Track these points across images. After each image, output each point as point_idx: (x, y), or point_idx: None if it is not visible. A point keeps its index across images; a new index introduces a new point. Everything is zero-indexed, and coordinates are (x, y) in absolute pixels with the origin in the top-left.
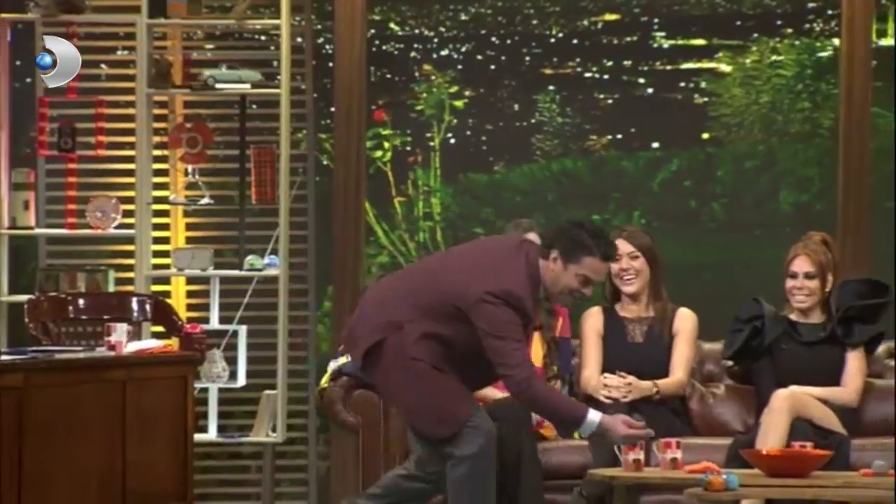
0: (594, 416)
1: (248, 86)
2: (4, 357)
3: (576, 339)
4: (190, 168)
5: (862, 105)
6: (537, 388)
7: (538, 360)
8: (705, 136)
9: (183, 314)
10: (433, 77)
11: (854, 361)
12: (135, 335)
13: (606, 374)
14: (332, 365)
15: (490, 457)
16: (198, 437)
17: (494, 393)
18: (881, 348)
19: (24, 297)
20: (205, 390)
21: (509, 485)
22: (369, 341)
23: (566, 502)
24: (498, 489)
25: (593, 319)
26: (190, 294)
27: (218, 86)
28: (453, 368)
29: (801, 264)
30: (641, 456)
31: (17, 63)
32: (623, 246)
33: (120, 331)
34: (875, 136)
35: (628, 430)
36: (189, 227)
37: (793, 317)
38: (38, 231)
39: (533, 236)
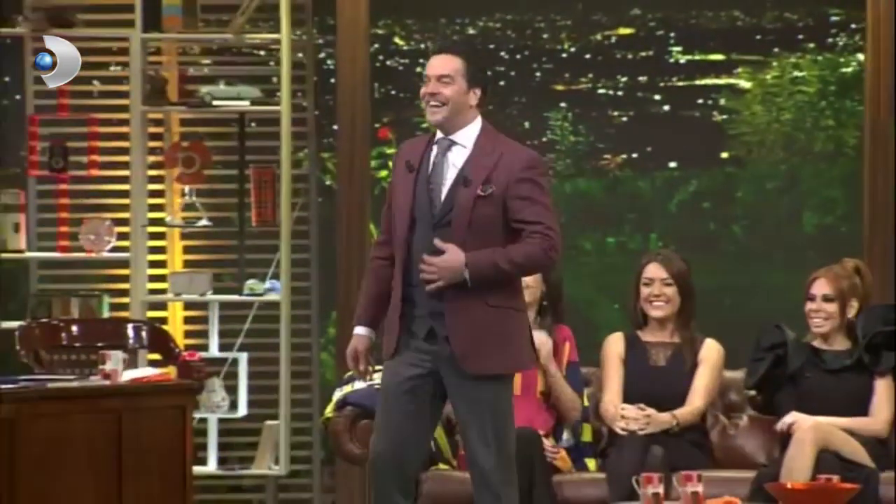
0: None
1: (246, 103)
2: None
3: (591, 367)
4: (187, 188)
5: (888, 123)
6: None
7: (536, 395)
8: (724, 155)
9: (181, 341)
10: None
11: (883, 390)
12: (131, 363)
13: (625, 406)
14: (337, 394)
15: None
16: (197, 469)
17: None
18: None
19: (14, 324)
20: (204, 420)
21: None
22: None
23: None
24: None
25: (615, 343)
26: (188, 320)
27: (215, 103)
28: None
29: (819, 286)
30: (661, 489)
31: (6, 80)
32: (657, 271)
33: (115, 359)
34: None
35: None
36: (186, 249)
37: (816, 344)
38: (29, 255)
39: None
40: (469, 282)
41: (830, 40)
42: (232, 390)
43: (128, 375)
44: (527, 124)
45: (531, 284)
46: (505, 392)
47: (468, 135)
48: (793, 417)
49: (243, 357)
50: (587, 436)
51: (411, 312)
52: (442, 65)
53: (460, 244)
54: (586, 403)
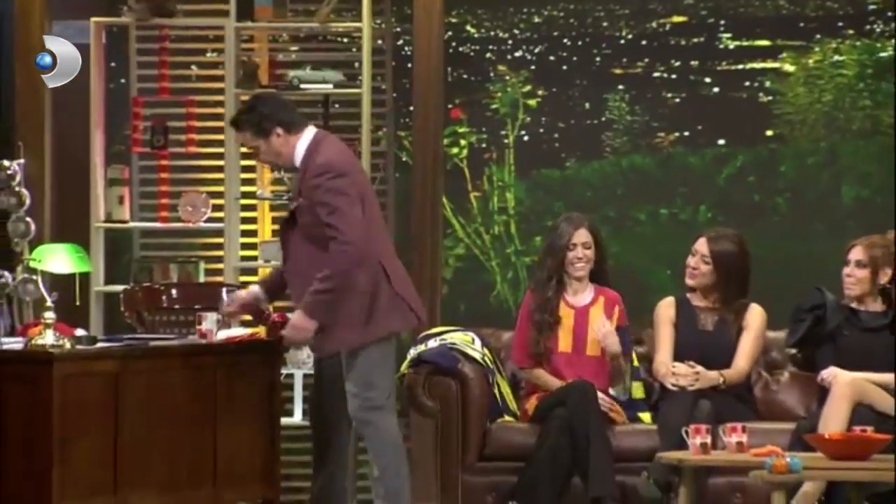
0: None
1: (331, 86)
2: (101, 344)
3: (645, 327)
4: None
5: None
6: None
7: (586, 352)
8: (769, 133)
9: (270, 304)
10: (508, 77)
11: None
12: (224, 324)
13: (676, 364)
14: (412, 352)
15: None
16: (284, 420)
17: (554, 381)
18: None
19: (119, 288)
20: (290, 376)
21: (580, 466)
22: None
23: (635, 484)
24: (569, 470)
25: (666, 308)
26: None
27: (302, 86)
28: None
29: (855, 253)
30: (708, 440)
31: (112, 65)
32: (701, 246)
33: (210, 319)
34: None
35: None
36: (275, 220)
37: (854, 305)
38: (132, 224)
39: (583, 232)
40: (313, 322)
41: (868, 27)
42: None
43: (222, 335)
44: (587, 105)
45: (591, 257)
46: (352, 362)
47: (298, 158)
48: (833, 371)
49: None
50: (639, 393)
51: None
52: (241, 140)
53: (297, 251)
54: (636, 363)
